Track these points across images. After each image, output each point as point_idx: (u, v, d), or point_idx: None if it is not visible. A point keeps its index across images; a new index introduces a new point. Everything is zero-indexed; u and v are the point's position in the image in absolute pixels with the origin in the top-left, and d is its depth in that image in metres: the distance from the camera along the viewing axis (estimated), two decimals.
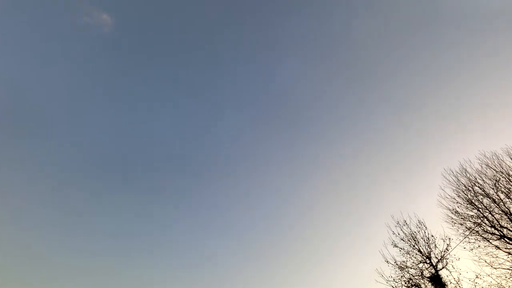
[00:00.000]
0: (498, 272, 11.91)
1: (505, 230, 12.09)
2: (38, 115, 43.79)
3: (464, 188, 13.33)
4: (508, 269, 11.88)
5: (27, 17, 40.23)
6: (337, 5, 47.68)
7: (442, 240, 12.40)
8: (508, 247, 12.01)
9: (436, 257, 12.28)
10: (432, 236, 12.63)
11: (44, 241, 37.79)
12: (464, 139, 37.41)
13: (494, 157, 13.04)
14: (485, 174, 12.95)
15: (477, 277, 11.61)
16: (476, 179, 13.08)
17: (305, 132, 50.38)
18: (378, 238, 18.41)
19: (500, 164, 12.77)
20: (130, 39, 49.33)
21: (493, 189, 12.51)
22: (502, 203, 12.20)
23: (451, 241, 12.32)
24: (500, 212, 12.22)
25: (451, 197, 13.64)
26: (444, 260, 12.13)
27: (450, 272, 11.87)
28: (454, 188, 13.65)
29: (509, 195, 12.16)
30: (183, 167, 50.53)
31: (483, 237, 12.55)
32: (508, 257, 12.02)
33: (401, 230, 13.20)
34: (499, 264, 12.08)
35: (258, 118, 51.89)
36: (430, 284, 12.13)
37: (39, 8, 40.84)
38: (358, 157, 45.78)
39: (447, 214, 13.65)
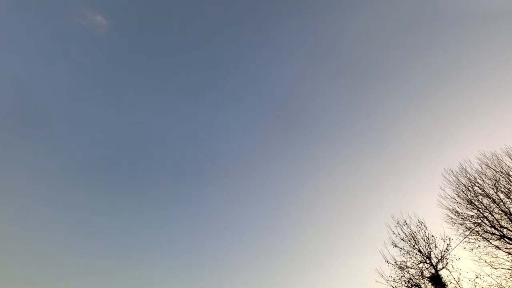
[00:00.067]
0: (498, 272, 11.93)
1: (505, 230, 12.11)
2: (38, 115, 43.85)
3: (464, 188, 13.36)
4: (508, 269, 11.89)
5: (23, 19, 40.24)
6: (337, 5, 47.75)
7: (442, 240, 12.43)
8: (508, 247, 12.02)
9: (436, 257, 12.30)
10: (432, 236, 12.65)
11: (44, 241, 37.83)
12: (464, 139, 37.47)
13: (494, 157, 13.08)
14: (485, 174, 12.99)
15: (477, 277, 11.62)
16: (476, 179, 13.12)
17: (305, 132, 50.43)
18: (378, 238, 18.40)
19: (500, 164, 12.80)
20: (127, 40, 49.32)
21: (493, 189, 12.54)
22: (502, 203, 12.22)
23: (451, 241, 12.34)
24: (500, 212, 12.24)
25: (451, 197, 13.68)
26: (444, 260, 12.14)
27: (450, 272, 11.89)
28: (454, 188, 13.69)
29: (509, 195, 12.17)
30: (183, 167, 50.56)
31: (483, 237, 12.57)
32: (508, 257, 12.03)
33: (401, 230, 13.23)
34: (499, 264, 12.10)
35: (258, 118, 51.93)
36: (430, 284, 12.13)
37: (35, 9, 40.85)
38: (358, 157, 45.82)
39: (447, 214, 13.69)
